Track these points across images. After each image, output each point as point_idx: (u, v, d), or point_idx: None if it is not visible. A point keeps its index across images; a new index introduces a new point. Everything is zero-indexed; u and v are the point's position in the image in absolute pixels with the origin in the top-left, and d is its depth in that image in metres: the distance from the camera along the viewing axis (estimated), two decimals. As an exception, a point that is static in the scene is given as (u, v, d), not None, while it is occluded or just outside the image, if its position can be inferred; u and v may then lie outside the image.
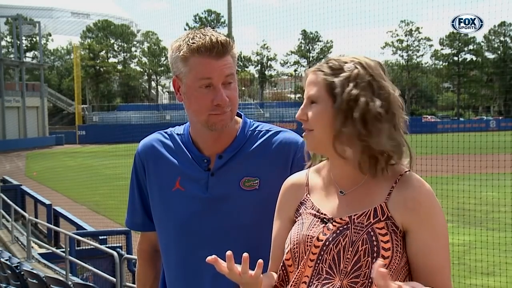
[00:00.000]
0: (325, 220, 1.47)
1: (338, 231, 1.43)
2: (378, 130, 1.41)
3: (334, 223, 1.45)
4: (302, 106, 1.50)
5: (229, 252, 1.45)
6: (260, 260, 1.44)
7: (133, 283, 8.06)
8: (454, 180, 16.14)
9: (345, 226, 1.43)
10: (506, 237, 11.57)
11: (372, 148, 1.42)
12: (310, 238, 1.46)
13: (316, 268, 1.44)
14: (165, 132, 1.89)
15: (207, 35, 1.67)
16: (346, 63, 1.47)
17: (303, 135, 1.52)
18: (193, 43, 1.67)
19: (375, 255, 1.37)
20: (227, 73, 1.68)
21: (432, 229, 1.41)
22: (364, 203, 1.45)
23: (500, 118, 56.15)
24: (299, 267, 1.47)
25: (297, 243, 1.48)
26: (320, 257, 1.44)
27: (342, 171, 1.50)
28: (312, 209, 1.52)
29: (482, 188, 14.67)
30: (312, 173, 1.60)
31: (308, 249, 1.46)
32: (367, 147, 1.42)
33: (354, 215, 1.44)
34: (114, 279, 6.73)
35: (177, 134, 1.87)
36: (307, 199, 1.55)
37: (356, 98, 1.41)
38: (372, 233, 1.40)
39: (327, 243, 1.43)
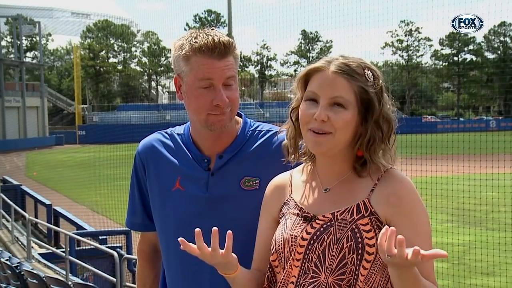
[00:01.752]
0: (307, 218, 1.48)
1: (322, 229, 1.44)
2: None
3: (317, 221, 1.46)
4: (322, 106, 1.44)
5: (197, 229, 1.44)
6: (229, 231, 1.44)
7: (133, 283, 8.06)
8: (454, 180, 16.14)
9: (328, 223, 1.44)
10: (506, 237, 11.56)
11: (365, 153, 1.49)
12: (294, 238, 1.47)
13: (302, 267, 1.45)
14: (165, 132, 1.89)
15: (210, 35, 1.67)
16: (365, 69, 1.47)
17: (317, 137, 1.45)
18: (196, 42, 1.67)
19: (360, 251, 1.39)
20: (228, 75, 1.68)
21: (413, 224, 1.42)
22: (346, 200, 1.46)
23: (500, 118, 56.11)
24: (286, 267, 1.48)
25: (281, 243, 1.49)
26: (306, 256, 1.45)
27: (330, 169, 1.52)
28: (295, 208, 1.53)
29: (482, 188, 14.66)
30: (296, 173, 1.62)
31: (293, 249, 1.47)
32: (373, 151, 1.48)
33: (337, 212, 1.45)
34: (114, 279, 6.73)
35: (178, 134, 1.87)
36: (290, 199, 1.57)
37: (386, 112, 1.48)
38: (356, 230, 1.41)
39: (311, 241, 1.44)
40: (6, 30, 62.91)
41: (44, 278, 4.91)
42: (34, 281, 4.90)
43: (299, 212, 1.51)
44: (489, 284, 9.22)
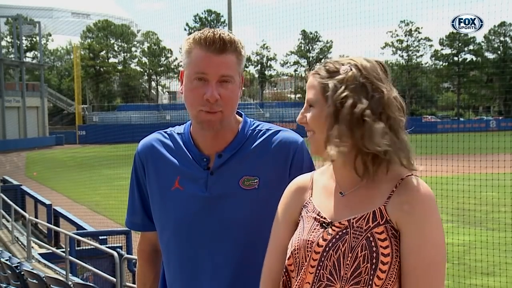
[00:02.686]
0: (324, 224, 1.46)
1: (337, 236, 1.42)
2: (367, 131, 1.39)
3: (333, 228, 1.44)
4: (302, 110, 1.53)
5: None
6: None
7: (133, 283, 8.05)
8: (454, 180, 16.15)
9: (344, 231, 1.42)
10: (506, 237, 11.57)
11: (363, 151, 1.41)
12: (310, 244, 1.45)
13: (317, 274, 1.43)
14: (165, 132, 1.89)
15: (214, 31, 1.69)
16: (343, 65, 1.48)
17: (308, 138, 1.54)
18: (199, 36, 1.69)
19: (374, 261, 1.36)
20: (223, 73, 1.67)
21: (422, 233, 1.37)
22: (363, 206, 1.44)
23: (500, 118, 56.11)
24: (300, 273, 1.46)
25: (298, 248, 1.47)
26: (321, 263, 1.42)
27: (342, 173, 1.50)
28: (313, 212, 1.51)
29: (482, 188, 14.67)
30: (317, 175, 1.60)
31: (308, 255, 1.44)
32: (359, 149, 1.42)
33: (353, 219, 1.42)
34: (114, 279, 6.73)
35: (177, 133, 1.87)
36: (309, 202, 1.55)
37: (343, 101, 1.42)
38: (371, 238, 1.38)
39: (327, 248, 1.42)
40: (6, 30, 62.89)
41: (44, 278, 4.91)
42: (34, 281, 4.90)
43: (316, 217, 1.49)
44: (489, 284, 9.23)
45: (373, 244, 1.37)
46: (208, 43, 1.66)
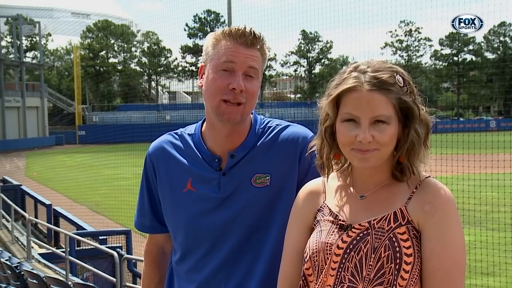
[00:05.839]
0: (343, 226, 1.45)
1: (358, 238, 1.42)
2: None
3: (353, 229, 1.43)
4: (365, 128, 1.40)
5: None
6: None
7: (133, 283, 8.07)
8: (454, 180, 16.12)
9: (365, 232, 1.42)
10: (506, 237, 11.57)
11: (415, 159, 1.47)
12: (330, 246, 1.44)
13: (338, 276, 1.42)
14: (175, 133, 1.89)
15: (245, 26, 1.71)
16: (395, 75, 1.44)
17: (363, 154, 1.42)
18: (229, 29, 1.71)
19: (398, 261, 1.36)
20: (250, 64, 1.69)
21: (443, 234, 1.38)
22: (383, 207, 1.44)
23: (500, 118, 56.11)
24: (321, 276, 1.45)
25: (316, 251, 1.46)
26: (341, 265, 1.42)
27: (369, 178, 1.49)
28: (330, 215, 1.50)
29: (482, 188, 14.66)
30: (329, 179, 1.59)
31: (328, 258, 1.43)
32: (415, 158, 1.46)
33: (374, 220, 1.42)
34: (114, 279, 6.72)
35: (188, 134, 1.85)
36: (324, 206, 1.54)
37: (424, 115, 1.46)
38: (394, 239, 1.38)
39: (348, 250, 1.42)
40: (6, 30, 62.84)
41: (44, 278, 4.91)
42: (34, 281, 4.90)
43: (334, 220, 1.48)
44: (489, 284, 9.22)
45: (396, 244, 1.38)
46: (240, 36, 1.68)
